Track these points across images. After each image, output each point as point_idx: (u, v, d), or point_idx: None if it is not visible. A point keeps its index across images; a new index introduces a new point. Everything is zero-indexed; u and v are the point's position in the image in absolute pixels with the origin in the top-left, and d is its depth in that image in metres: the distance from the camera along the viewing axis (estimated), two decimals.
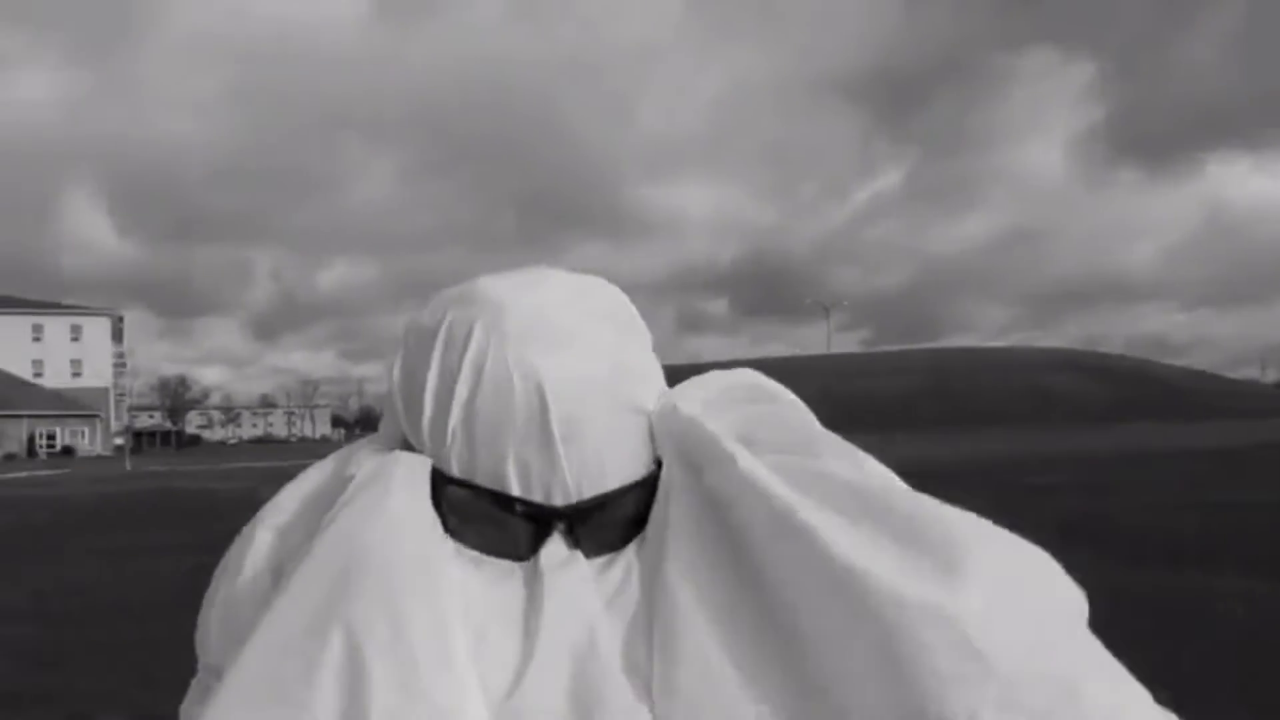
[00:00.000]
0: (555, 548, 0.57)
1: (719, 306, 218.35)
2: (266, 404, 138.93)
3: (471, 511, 0.58)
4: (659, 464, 0.61)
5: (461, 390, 0.58)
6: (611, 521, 0.59)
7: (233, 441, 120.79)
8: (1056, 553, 0.54)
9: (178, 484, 22.47)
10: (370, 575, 0.53)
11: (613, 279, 0.66)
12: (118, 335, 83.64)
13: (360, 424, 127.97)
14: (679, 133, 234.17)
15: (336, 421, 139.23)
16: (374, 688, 0.49)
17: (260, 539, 0.63)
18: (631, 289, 0.67)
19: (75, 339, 78.83)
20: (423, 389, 0.60)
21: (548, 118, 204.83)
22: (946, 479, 10.92)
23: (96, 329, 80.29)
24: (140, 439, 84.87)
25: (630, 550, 0.59)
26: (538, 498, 0.58)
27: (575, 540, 0.58)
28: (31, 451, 64.37)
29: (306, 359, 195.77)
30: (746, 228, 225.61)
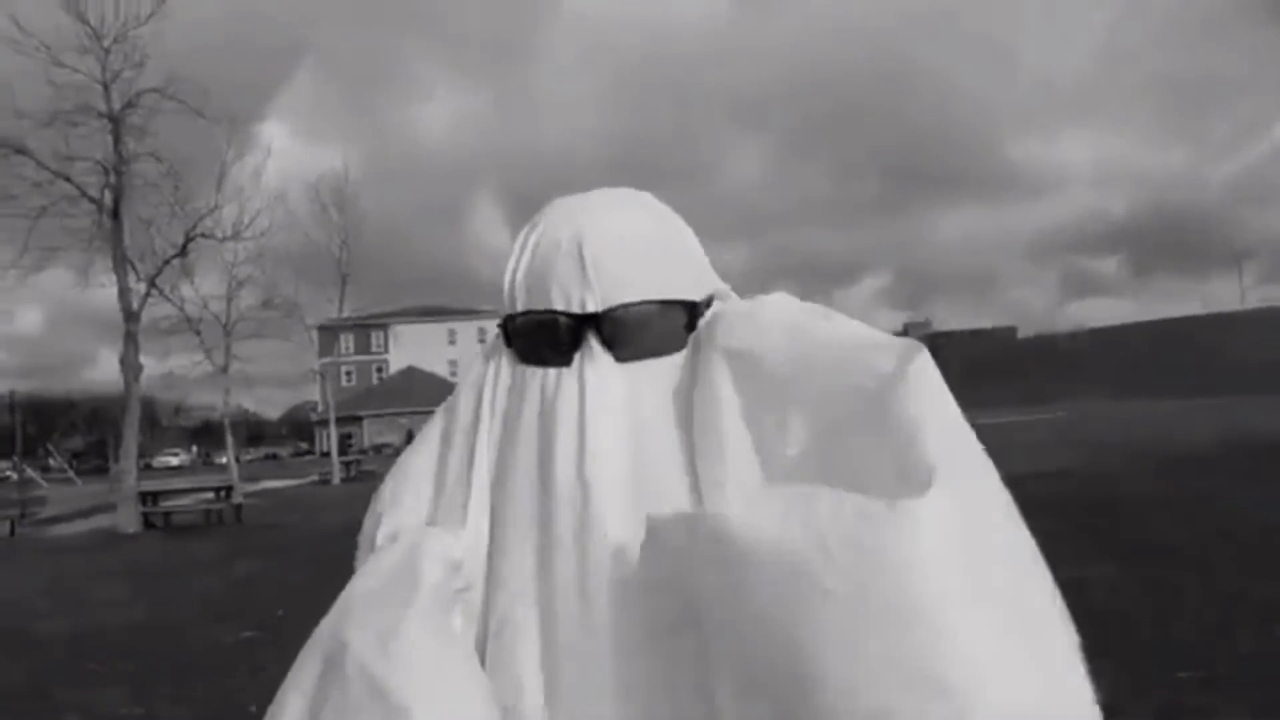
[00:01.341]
0: (593, 349, 0.74)
1: (1110, 265, 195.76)
2: None
3: (527, 330, 0.77)
4: (690, 305, 0.77)
5: (526, 256, 0.78)
6: (638, 333, 0.74)
7: None
8: None
9: None
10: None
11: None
12: None
13: None
14: (1061, 76, 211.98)
15: None
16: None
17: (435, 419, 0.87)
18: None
19: (481, 340, 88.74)
20: (506, 268, 0.80)
21: (914, 80, 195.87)
22: None
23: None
24: None
25: (665, 361, 0.76)
26: (575, 310, 0.74)
27: (608, 345, 0.74)
28: None
29: None
30: (1141, 175, 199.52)
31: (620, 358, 0.75)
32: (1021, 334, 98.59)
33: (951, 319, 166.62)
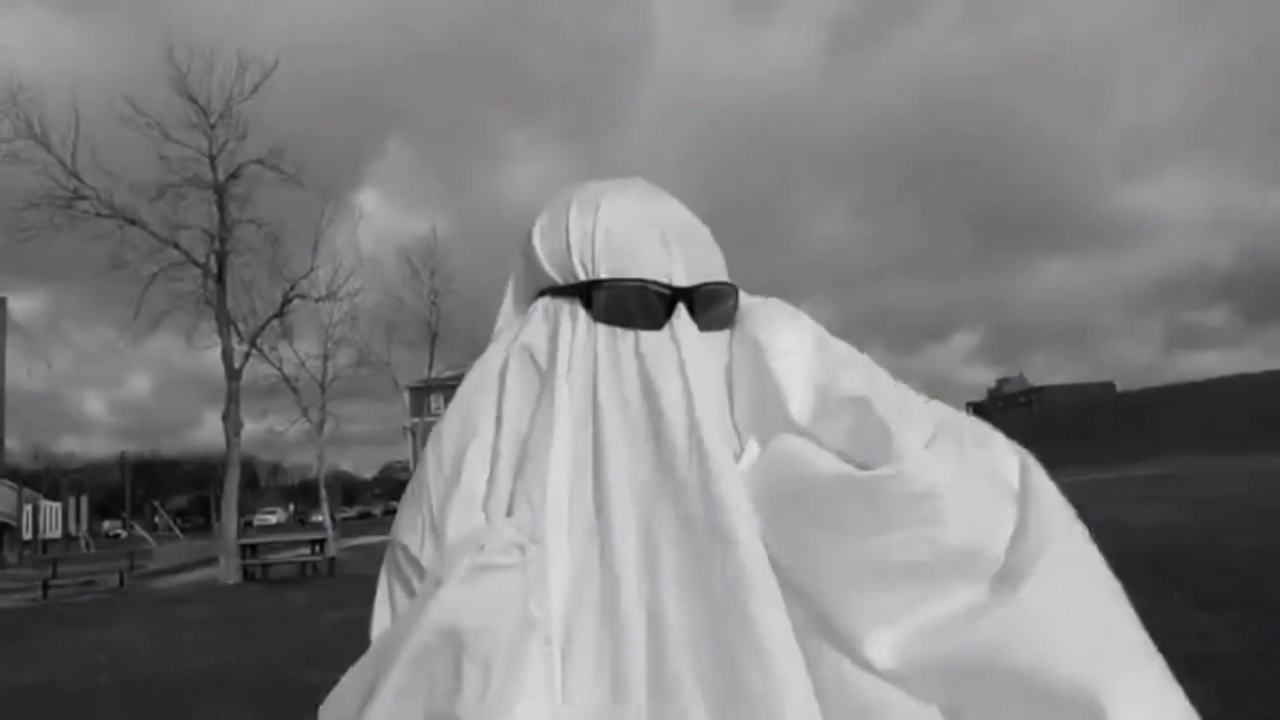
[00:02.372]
0: (682, 318, 0.84)
1: (1217, 316, 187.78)
2: None
3: (625, 296, 0.84)
4: (737, 291, 0.90)
5: (602, 227, 0.87)
6: (717, 307, 0.86)
7: None
8: None
9: None
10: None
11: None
12: None
13: None
14: (1159, 122, 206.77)
15: None
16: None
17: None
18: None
19: None
20: (565, 237, 0.88)
21: (1007, 128, 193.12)
22: None
23: None
24: None
25: (723, 334, 0.87)
26: (665, 281, 0.85)
27: (694, 314, 0.84)
28: None
29: None
30: (1246, 220, 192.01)
31: (701, 327, 0.84)
32: (1121, 388, 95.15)
33: (1047, 375, 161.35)
